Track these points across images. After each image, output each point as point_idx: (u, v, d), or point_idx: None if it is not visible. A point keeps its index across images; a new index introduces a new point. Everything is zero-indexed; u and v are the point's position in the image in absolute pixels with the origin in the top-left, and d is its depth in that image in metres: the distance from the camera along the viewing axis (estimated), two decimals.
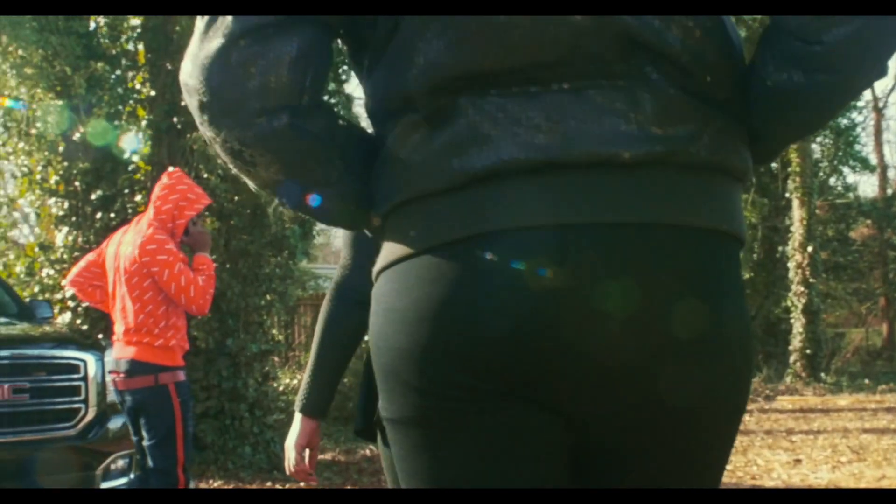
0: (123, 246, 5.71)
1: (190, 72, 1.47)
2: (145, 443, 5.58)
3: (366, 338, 2.86)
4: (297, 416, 3.05)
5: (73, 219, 10.31)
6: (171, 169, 5.96)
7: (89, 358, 6.87)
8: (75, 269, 6.25)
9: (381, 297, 1.49)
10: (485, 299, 1.37)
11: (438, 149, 1.42)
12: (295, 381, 13.07)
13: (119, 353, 5.70)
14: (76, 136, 10.00)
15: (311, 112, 1.48)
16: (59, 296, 10.03)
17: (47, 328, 8.01)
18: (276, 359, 11.64)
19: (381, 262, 1.52)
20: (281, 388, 11.70)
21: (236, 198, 9.91)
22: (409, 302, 1.43)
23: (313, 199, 1.53)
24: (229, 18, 1.42)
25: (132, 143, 9.88)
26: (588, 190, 1.36)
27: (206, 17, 1.45)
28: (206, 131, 1.49)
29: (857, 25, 1.35)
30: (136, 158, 10.16)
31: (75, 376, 6.89)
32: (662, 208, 1.38)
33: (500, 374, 1.39)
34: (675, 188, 1.40)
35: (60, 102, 10.00)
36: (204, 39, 1.45)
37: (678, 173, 1.40)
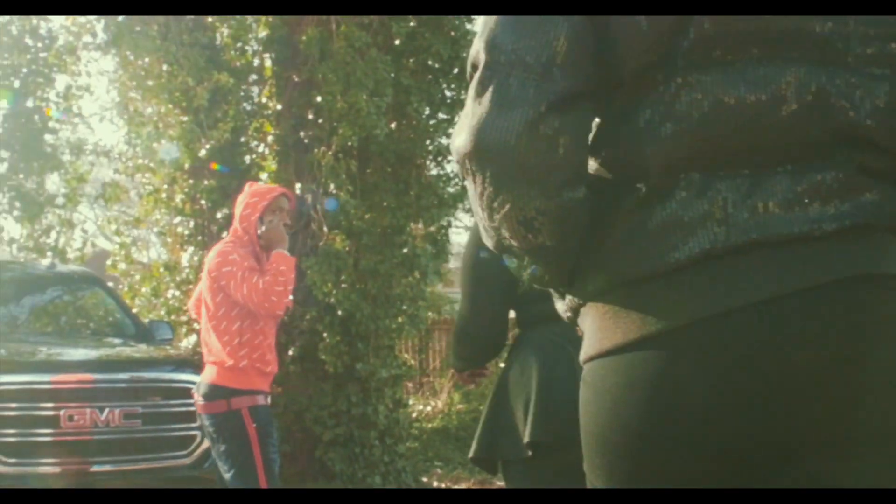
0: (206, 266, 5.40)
1: (481, 141, 1.50)
2: (225, 475, 5.10)
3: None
4: None
5: (199, 238, 9.97)
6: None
7: None
8: (194, 294, 5.94)
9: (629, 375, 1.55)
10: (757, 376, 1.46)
11: (675, 226, 1.51)
12: (429, 408, 12.55)
13: (202, 375, 5.32)
14: (202, 152, 9.66)
15: None
16: (184, 318, 9.68)
17: (165, 350, 7.64)
18: (408, 384, 11.13)
19: (623, 336, 1.55)
20: (414, 415, 11.21)
21: (367, 215, 9.46)
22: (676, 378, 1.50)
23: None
24: (531, 90, 1.49)
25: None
26: (801, 260, 1.48)
27: (487, 85, 1.51)
28: (492, 199, 1.54)
29: None
30: (263, 176, 9.79)
31: (191, 401, 6.48)
32: (859, 262, 1.50)
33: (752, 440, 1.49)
34: (871, 246, 1.52)
35: (185, 119, 9.68)
36: (496, 109, 1.50)
37: (866, 235, 1.52)
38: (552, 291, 1.75)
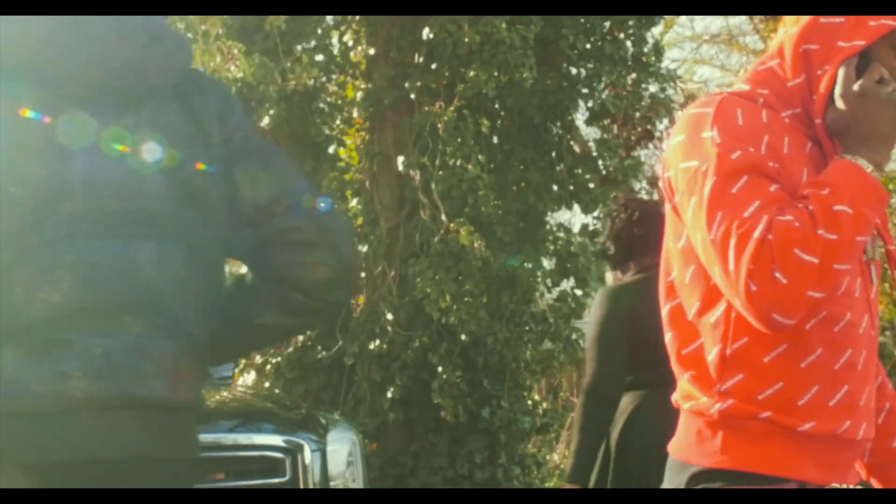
0: None
1: None
2: None
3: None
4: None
5: None
6: None
7: (303, 445, 4.09)
8: None
9: None
10: None
11: None
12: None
13: None
14: (263, 120, 7.05)
15: None
16: None
17: (226, 395, 4.93)
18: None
19: None
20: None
21: (495, 200, 6.77)
22: None
23: None
24: None
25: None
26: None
27: None
28: None
29: None
30: (341, 152, 7.20)
31: (276, 480, 4.01)
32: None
33: None
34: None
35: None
36: None
37: None
38: None
